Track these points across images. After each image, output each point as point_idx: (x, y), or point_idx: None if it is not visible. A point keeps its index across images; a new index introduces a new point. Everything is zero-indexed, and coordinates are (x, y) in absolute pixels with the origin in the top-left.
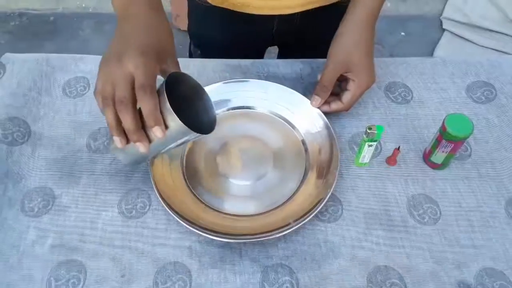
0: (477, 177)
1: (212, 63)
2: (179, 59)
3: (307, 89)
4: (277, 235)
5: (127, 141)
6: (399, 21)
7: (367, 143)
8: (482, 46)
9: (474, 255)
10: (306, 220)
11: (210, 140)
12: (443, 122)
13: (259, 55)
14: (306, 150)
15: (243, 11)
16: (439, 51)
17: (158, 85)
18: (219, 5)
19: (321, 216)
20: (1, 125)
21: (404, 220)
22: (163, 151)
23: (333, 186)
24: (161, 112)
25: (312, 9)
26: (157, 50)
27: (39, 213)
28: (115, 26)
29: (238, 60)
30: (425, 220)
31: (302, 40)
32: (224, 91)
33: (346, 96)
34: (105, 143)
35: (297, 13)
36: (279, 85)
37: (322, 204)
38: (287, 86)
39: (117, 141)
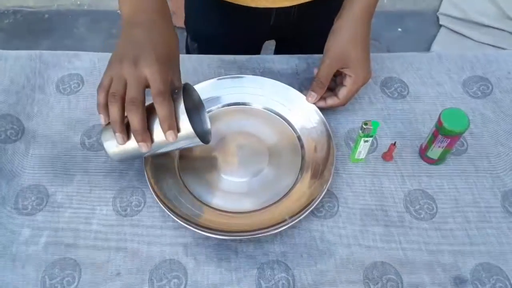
0: (474, 172)
1: (208, 59)
2: None
3: (303, 84)
4: (273, 232)
5: (128, 138)
6: (396, 17)
7: (363, 138)
8: (479, 42)
9: (471, 250)
10: (302, 217)
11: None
12: (439, 117)
13: (257, 48)
14: (302, 146)
15: (241, 4)
16: (436, 47)
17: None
18: None
19: (317, 212)
20: None
21: (400, 215)
22: (159, 151)
23: (329, 182)
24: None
25: (309, 2)
26: (169, 58)
27: (33, 211)
28: (111, 24)
29: (234, 56)
30: (422, 215)
31: (299, 33)
32: (219, 88)
33: (342, 92)
34: (99, 140)
35: (295, 6)
36: (274, 81)
37: (318, 201)
38: (283, 82)
39: (119, 137)
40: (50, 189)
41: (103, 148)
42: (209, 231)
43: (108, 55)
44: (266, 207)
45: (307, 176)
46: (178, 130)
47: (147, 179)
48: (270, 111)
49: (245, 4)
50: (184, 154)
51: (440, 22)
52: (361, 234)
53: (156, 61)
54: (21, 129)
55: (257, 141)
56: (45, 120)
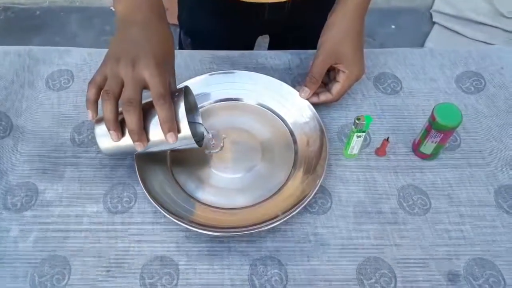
0: (467, 167)
1: (200, 55)
2: None
3: (296, 80)
4: (266, 228)
5: (122, 135)
6: (390, 14)
7: (355, 134)
8: (472, 39)
9: (464, 245)
10: (294, 213)
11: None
12: (432, 112)
13: (250, 44)
14: (294, 141)
15: None
16: (429, 44)
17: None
18: None
19: (310, 208)
20: None
21: (393, 211)
22: (152, 150)
23: (321, 178)
24: None
25: None
26: (166, 58)
27: (22, 208)
28: (104, 21)
29: (226, 51)
30: (415, 211)
31: (293, 28)
32: (211, 83)
33: (336, 87)
34: (89, 136)
35: (288, 0)
36: (267, 76)
37: (311, 196)
38: (276, 78)
39: (114, 135)
40: (40, 186)
41: (96, 143)
42: (201, 227)
43: (99, 51)
44: (259, 203)
45: (300, 171)
46: (178, 132)
47: (137, 175)
48: (263, 107)
49: None
50: (176, 150)
51: (434, 19)
52: (354, 230)
53: (155, 63)
54: (10, 126)
55: (249, 136)
56: (34, 116)
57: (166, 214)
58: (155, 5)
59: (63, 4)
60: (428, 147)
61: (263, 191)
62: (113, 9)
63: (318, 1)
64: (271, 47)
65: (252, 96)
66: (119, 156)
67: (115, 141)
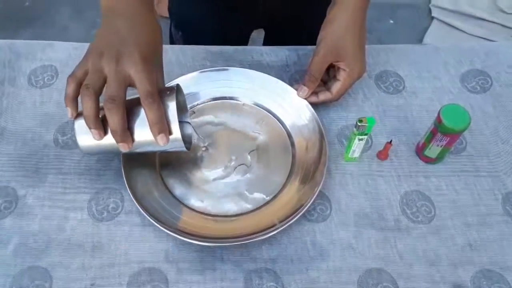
0: (473, 171)
1: (192, 50)
2: None
3: (293, 78)
4: (262, 237)
5: (105, 133)
6: (388, 9)
7: (357, 136)
8: (471, 34)
9: (470, 255)
10: (292, 221)
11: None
12: (439, 114)
13: (245, 38)
14: (292, 144)
15: None
16: (428, 39)
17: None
18: None
19: (308, 215)
20: None
21: (396, 218)
22: (138, 151)
23: (321, 183)
24: None
25: None
26: (153, 54)
27: (0, 215)
28: (96, 13)
29: (220, 46)
30: (419, 218)
31: (290, 21)
32: (203, 81)
33: (336, 86)
34: (74, 137)
35: None
36: (263, 73)
37: (310, 203)
38: (272, 75)
39: (96, 134)
40: (20, 191)
41: (75, 141)
42: (192, 237)
43: (86, 45)
44: (254, 210)
45: (298, 176)
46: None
47: (125, 180)
48: (259, 106)
49: None
50: (167, 153)
51: (433, 14)
52: (355, 238)
53: (141, 59)
54: None
55: (244, 138)
56: (15, 115)
57: (154, 223)
58: None
59: None
60: (433, 150)
61: (259, 197)
62: None
63: None
64: (267, 42)
65: (247, 95)
66: (101, 155)
67: (97, 140)
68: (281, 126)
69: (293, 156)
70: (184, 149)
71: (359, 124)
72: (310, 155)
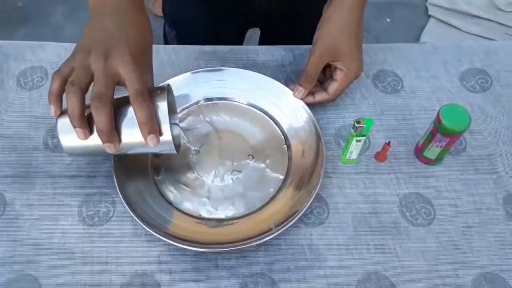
0: (473, 173)
1: (185, 50)
2: None
3: (289, 78)
4: (257, 242)
5: (90, 133)
6: (385, 7)
7: (355, 138)
8: (468, 32)
9: (471, 258)
10: (289, 225)
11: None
12: (438, 114)
13: (240, 38)
14: (288, 146)
15: None
16: (425, 37)
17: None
18: None
19: (305, 219)
20: None
21: (395, 221)
22: (125, 153)
23: (318, 186)
24: None
25: None
26: (143, 53)
27: None
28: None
29: (214, 46)
30: (418, 221)
31: (286, 20)
32: (196, 82)
33: (333, 86)
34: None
35: None
36: (258, 74)
37: (307, 206)
38: (267, 75)
39: (80, 133)
40: (8, 196)
41: (58, 142)
42: (186, 242)
43: None
44: (250, 214)
45: (294, 179)
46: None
47: (116, 184)
48: (254, 107)
49: None
50: (159, 155)
51: (429, 13)
52: (353, 242)
53: (131, 56)
54: None
55: (239, 140)
56: (3, 118)
57: (146, 228)
58: None
59: None
60: (432, 151)
61: (254, 200)
62: None
63: None
64: (263, 41)
65: (242, 96)
66: (91, 158)
67: (81, 139)
68: (277, 127)
69: (289, 158)
70: (174, 151)
71: (356, 125)
72: (306, 157)
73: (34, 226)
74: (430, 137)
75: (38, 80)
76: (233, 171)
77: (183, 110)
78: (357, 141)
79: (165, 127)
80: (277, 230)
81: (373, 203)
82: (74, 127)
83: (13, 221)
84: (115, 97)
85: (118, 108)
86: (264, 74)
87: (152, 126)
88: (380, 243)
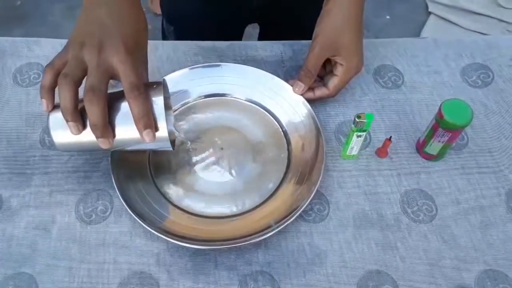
0: (476, 168)
1: (184, 46)
2: (149, 41)
3: (289, 73)
4: (257, 240)
5: (84, 127)
6: (384, 4)
7: (355, 133)
8: (468, 29)
9: (474, 255)
10: (289, 221)
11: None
12: (440, 109)
13: (239, 33)
14: (288, 142)
15: None
16: (425, 34)
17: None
18: None
19: (305, 216)
20: None
21: (397, 218)
22: (120, 149)
23: (318, 182)
24: None
25: None
26: (138, 46)
27: None
28: None
29: (213, 42)
30: (420, 217)
31: (285, 15)
32: (194, 77)
33: (333, 82)
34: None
35: None
36: (257, 69)
37: (307, 203)
38: (267, 71)
39: (73, 127)
40: (4, 194)
41: (50, 137)
42: (185, 240)
43: None
44: (249, 210)
45: (294, 176)
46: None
47: (113, 181)
48: (253, 103)
49: None
50: (158, 152)
51: (429, 9)
52: (354, 239)
53: (125, 49)
54: None
55: (238, 136)
56: None
57: (144, 225)
58: None
59: None
60: (434, 147)
61: (253, 197)
62: None
63: None
64: (262, 37)
65: (241, 91)
66: (82, 154)
67: (74, 135)
68: (277, 123)
69: (289, 155)
70: (170, 148)
71: (357, 120)
72: (306, 153)
73: (30, 224)
74: (432, 133)
75: (34, 76)
76: (232, 167)
77: (181, 106)
78: (357, 136)
79: (161, 122)
80: (277, 227)
81: (374, 200)
82: (67, 121)
83: (9, 219)
84: (109, 91)
85: (112, 103)
86: (263, 70)
87: (147, 121)
88: (382, 240)
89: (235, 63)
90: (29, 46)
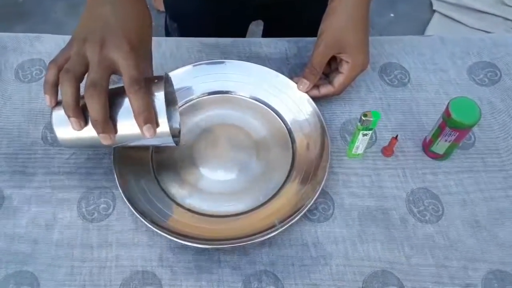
0: (482, 168)
1: (187, 42)
2: (152, 38)
3: (293, 71)
4: (261, 239)
5: (85, 123)
6: (388, 2)
7: (361, 132)
8: (473, 27)
9: (481, 255)
10: (293, 221)
11: (183, 129)
12: (447, 107)
13: (242, 30)
14: (293, 140)
15: None
16: (429, 32)
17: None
18: None
19: (310, 215)
20: None
21: (402, 218)
22: (122, 145)
23: (323, 181)
24: None
25: None
26: (141, 41)
27: None
28: None
29: (216, 38)
30: (426, 217)
31: (290, 12)
32: (198, 74)
33: (338, 79)
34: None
35: None
36: (261, 66)
37: (311, 202)
38: (271, 68)
39: (75, 123)
40: (6, 191)
41: (53, 133)
42: (188, 239)
43: None
44: (253, 209)
45: (298, 175)
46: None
47: (116, 179)
48: (257, 101)
49: None
50: (161, 150)
51: (434, 7)
52: (359, 239)
53: (128, 45)
54: None
55: (242, 134)
56: (1, 111)
57: (147, 224)
58: None
59: None
60: (441, 146)
61: (257, 196)
62: None
63: None
64: (266, 34)
65: (245, 89)
66: (84, 150)
67: (76, 131)
68: (281, 121)
69: (294, 153)
70: (173, 144)
71: (363, 118)
72: (311, 152)
73: (32, 222)
74: (439, 131)
75: (37, 72)
76: (236, 165)
77: (185, 103)
78: (363, 135)
79: (162, 117)
80: (281, 227)
81: (380, 199)
82: (69, 116)
83: (11, 216)
84: (111, 87)
85: (113, 99)
86: (268, 67)
87: (148, 116)
88: (387, 240)
89: (239, 60)
90: (31, 42)
